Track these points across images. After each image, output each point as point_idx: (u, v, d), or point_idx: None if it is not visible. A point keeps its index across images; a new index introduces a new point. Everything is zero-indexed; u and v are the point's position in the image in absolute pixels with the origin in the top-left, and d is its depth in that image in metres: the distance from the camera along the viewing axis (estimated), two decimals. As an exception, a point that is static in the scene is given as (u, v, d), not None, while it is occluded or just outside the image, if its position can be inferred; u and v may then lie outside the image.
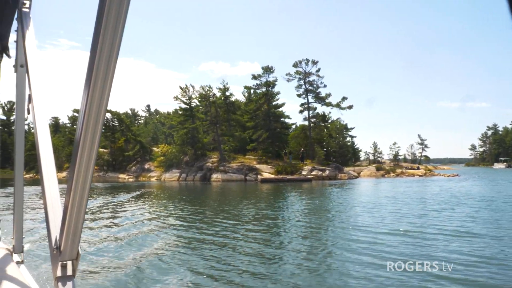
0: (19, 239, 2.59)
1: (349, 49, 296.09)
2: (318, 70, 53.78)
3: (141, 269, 8.12)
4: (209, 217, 16.20)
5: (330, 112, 74.86)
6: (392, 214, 16.03)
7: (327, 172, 46.67)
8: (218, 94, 53.02)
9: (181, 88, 52.46)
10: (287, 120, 65.27)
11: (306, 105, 56.21)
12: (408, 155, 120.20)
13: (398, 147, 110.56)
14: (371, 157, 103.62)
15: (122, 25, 0.82)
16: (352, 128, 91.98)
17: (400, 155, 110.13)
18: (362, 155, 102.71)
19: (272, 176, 44.45)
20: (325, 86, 54.42)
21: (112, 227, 13.80)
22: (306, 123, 57.51)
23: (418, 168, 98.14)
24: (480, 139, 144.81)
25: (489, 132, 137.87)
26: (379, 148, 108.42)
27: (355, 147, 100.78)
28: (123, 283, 7.13)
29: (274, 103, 59.45)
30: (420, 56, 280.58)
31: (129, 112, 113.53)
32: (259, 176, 44.41)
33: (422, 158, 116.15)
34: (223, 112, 51.31)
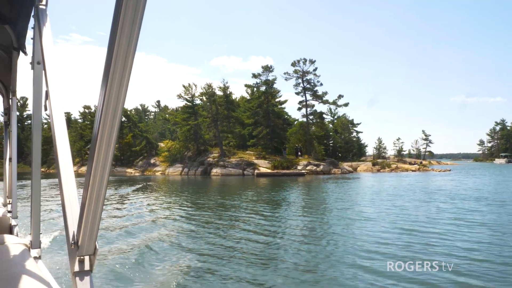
0: (36, 234, 2.63)
1: (359, 44, 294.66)
2: (315, 69, 56.10)
3: (152, 260, 8.60)
4: (205, 208, 18.69)
5: (336, 109, 77.65)
6: (339, 206, 18.45)
7: (321, 167, 49.00)
8: (219, 93, 55.54)
9: (184, 86, 55.29)
10: (289, 116, 67.91)
11: (304, 103, 58.37)
12: (413, 150, 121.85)
13: (402, 142, 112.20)
14: (376, 152, 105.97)
15: (139, 21, 0.83)
16: (358, 124, 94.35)
17: (404, 151, 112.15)
18: (369, 150, 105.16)
19: (268, 170, 46.95)
20: (321, 84, 56.70)
21: (120, 218, 15.00)
22: (305, 119, 59.65)
23: (421, 163, 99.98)
24: (488, 135, 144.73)
25: (498, 128, 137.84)
26: (383, 144, 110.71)
27: (361, 142, 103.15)
28: (138, 278, 7.28)
29: (277, 99, 61.98)
30: (434, 51, 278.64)
31: (139, 107, 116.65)
32: (255, 171, 46.95)
33: (426, 153, 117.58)
34: (223, 110, 53.82)
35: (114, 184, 35.47)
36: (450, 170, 57.45)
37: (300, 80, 57.38)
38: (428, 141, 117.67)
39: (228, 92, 54.87)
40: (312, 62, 55.77)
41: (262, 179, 41.75)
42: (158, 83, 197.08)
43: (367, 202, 19.08)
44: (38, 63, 2.22)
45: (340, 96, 56.18)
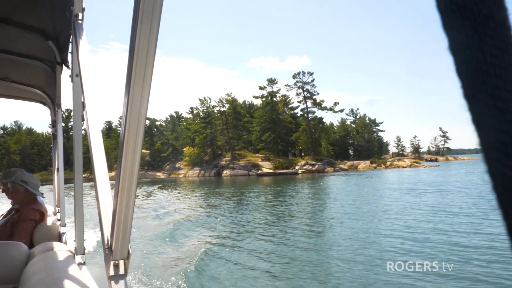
0: (80, 241, 2.83)
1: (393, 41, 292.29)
2: (312, 80, 63.98)
3: (184, 261, 8.98)
4: (201, 197, 27.17)
5: (358, 109, 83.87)
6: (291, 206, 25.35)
7: (316, 166, 56.59)
8: (227, 105, 64.76)
9: (200, 100, 64.95)
10: (299, 120, 75.65)
11: (306, 110, 66.32)
12: (432, 147, 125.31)
13: (419, 140, 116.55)
14: (395, 150, 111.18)
15: (156, 30, 0.86)
16: (380, 123, 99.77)
17: (422, 147, 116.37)
18: (392, 149, 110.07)
19: (269, 171, 55.21)
20: (318, 94, 64.58)
21: (147, 209, 19.38)
22: (308, 124, 67.29)
23: (436, 160, 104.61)
24: None
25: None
26: (401, 142, 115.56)
27: (384, 141, 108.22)
28: (172, 282, 7.39)
29: (290, 105, 70.21)
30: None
31: (174, 114, 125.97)
32: (258, 171, 55.36)
33: (444, 149, 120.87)
34: (232, 119, 62.85)
35: (147, 184, 44.56)
36: (438, 165, 63.00)
37: (301, 90, 65.45)
38: (446, 138, 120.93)
39: (235, 104, 63.85)
40: (310, 74, 63.82)
41: (261, 178, 49.90)
42: (196, 87, 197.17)
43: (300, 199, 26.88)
44: (76, 75, 2.30)
45: (336, 103, 63.83)
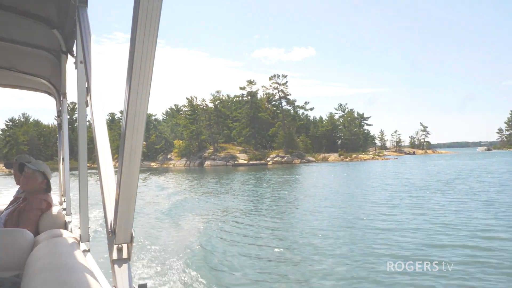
0: (85, 229, 2.81)
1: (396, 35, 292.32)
2: (286, 82, 72.29)
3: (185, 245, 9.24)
4: (174, 180, 35.45)
5: (346, 104, 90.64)
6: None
7: (285, 158, 65.14)
8: (210, 104, 73.47)
9: (187, 98, 73.64)
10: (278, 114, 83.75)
11: (281, 108, 74.72)
12: (414, 141, 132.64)
13: (399, 134, 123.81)
14: (378, 144, 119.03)
15: (157, 19, 0.86)
16: (368, 117, 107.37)
17: (402, 141, 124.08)
18: (378, 142, 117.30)
19: (244, 161, 63.83)
20: (290, 94, 73.22)
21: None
22: (285, 120, 75.49)
23: (413, 153, 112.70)
24: (506, 123, 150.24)
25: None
26: (384, 136, 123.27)
27: (371, 135, 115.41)
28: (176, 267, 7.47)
29: (272, 103, 78.45)
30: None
31: (174, 107, 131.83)
32: (235, 162, 64.04)
33: (424, 143, 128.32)
34: (215, 116, 71.50)
35: (140, 172, 52.80)
36: (396, 158, 71.07)
37: (276, 91, 73.83)
38: (426, 132, 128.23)
39: (217, 102, 72.47)
40: (284, 76, 72.29)
41: (236, 168, 58.25)
42: (200, 78, 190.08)
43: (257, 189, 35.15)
44: (81, 62, 2.23)
45: (306, 103, 72.26)
